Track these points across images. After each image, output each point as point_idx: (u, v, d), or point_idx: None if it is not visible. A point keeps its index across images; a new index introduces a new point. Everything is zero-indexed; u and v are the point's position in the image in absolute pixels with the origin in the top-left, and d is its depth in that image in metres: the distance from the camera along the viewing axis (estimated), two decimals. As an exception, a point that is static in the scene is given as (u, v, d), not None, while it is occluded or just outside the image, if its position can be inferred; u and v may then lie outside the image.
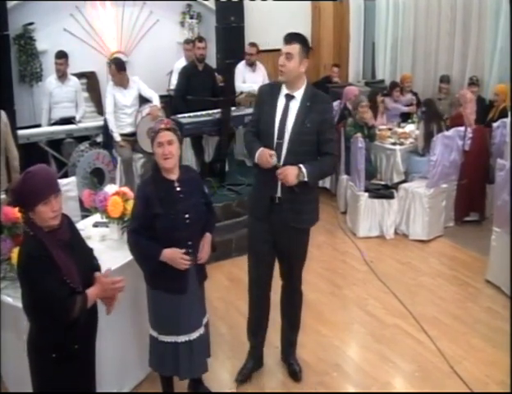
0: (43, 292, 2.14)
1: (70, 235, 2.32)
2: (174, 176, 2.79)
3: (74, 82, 6.19)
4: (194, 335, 2.90)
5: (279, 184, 3.03)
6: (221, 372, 3.52)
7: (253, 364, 3.47)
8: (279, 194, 3.07)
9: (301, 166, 2.96)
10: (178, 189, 2.78)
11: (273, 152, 2.98)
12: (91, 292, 2.28)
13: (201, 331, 2.95)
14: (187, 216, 2.76)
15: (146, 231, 2.72)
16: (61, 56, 5.99)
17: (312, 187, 3.08)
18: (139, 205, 2.76)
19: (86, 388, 2.43)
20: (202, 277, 2.96)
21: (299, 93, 3.05)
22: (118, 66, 5.52)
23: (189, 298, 2.85)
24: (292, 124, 3.02)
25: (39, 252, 2.15)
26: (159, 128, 2.72)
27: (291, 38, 3.00)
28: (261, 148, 3.01)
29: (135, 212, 2.80)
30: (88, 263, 2.41)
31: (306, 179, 2.97)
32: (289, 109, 3.04)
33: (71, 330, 2.23)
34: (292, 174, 2.94)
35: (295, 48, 2.97)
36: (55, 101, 6.03)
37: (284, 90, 3.08)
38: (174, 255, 2.72)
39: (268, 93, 3.14)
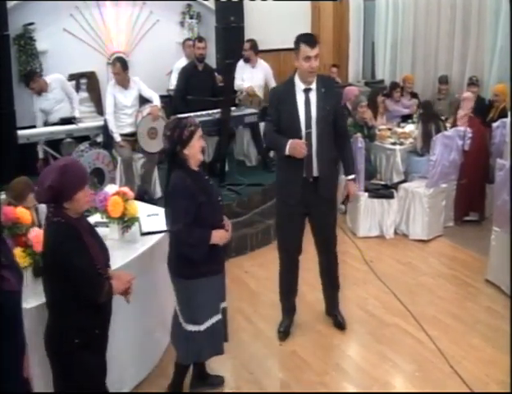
0: (77, 271, 2.27)
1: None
2: (197, 168, 2.93)
3: (56, 82, 6.03)
4: (224, 303, 3.15)
5: (315, 166, 3.49)
6: (223, 372, 3.52)
7: (289, 321, 3.94)
8: (316, 174, 3.52)
9: (349, 177, 3.70)
10: (206, 177, 3.00)
11: (306, 142, 3.39)
12: (113, 284, 2.44)
13: (225, 303, 3.19)
14: (219, 199, 3.03)
15: (195, 224, 2.83)
16: (29, 79, 5.89)
17: (336, 160, 3.71)
18: (187, 200, 2.79)
19: (102, 375, 2.52)
20: (227, 252, 3.27)
21: (313, 84, 3.46)
22: (123, 65, 5.49)
23: (223, 274, 3.11)
24: (315, 112, 3.44)
25: (73, 235, 2.30)
26: (198, 122, 2.91)
27: (315, 40, 3.40)
28: (290, 141, 3.38)
29: (185, 207, 2.79)
30: (104, 250, 2.55)
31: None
32: (310, 101, 3.44)
33: (93, 315, 2.37)
34: (354, 187, 3.78)
35: (318, 49, 3.38)
36: (48, 111, 5.98)
37: (300, 85, 3.46)
38: (221, 235, 2.92)
39: (284, 92, 3.51)
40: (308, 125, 3.44)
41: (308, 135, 3.44)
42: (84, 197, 2.36)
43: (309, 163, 3.49)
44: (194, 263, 2.89)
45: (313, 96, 3.45)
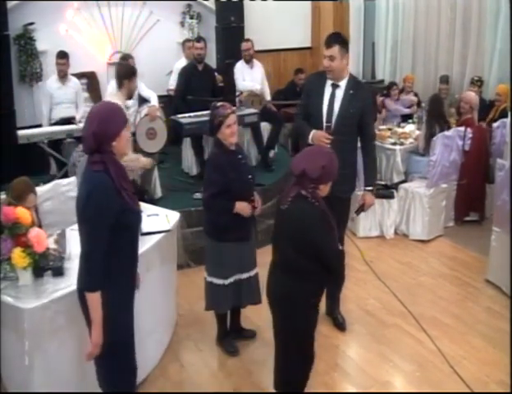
0: (333, 253, 2.69)
1: None
2: (233, 147, 3.38)
3: (74, 83, 6.19)
4: (253, 272, 3.57)
5: None
6: (222, 371, 3.53)
7: None
8: None
9: (367, 188, 3.71)
10: (239, 157, 3.42)
11: (329, 136, 3.46)
12: None
13: (257, 270, 3.59)
14: (250, 176, 3.46)
15: (220, 195, 3.28)
16: (63, 56, 5.99)
17: (354, 162, 3.70)
18: (216, 174, 3.28)
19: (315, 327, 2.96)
20: (256, 224, 3.62)
21: (343, 83, 3.55)
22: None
23: (251, 243, 3.53)
24: (338, 109, 3.52)
25: (325, 218, 2.66)
26: (227, 113, 3.29)
27: (330, 41, 3.47)
28: (313, 131, 3.51)
29: (212, 180, 3.31)
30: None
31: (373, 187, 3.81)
32: (335, 97, 3.54)
33: (324, 281, 2.81)
34: (372, 199, 3.73)
35: (335, 49, 3.43)
36: (55, 102, 6.02)
37: (330, 80, 3.55)
38: (243, 206, 3.33)
39: (315, 83, 3.65)
40: (329, 119, 3.53)
41: (328, 128, 3.53)
42: (329, 186, 2.72)
43: None
44: (222, 229, 3.37)
45: (339, 93, 3.53)
